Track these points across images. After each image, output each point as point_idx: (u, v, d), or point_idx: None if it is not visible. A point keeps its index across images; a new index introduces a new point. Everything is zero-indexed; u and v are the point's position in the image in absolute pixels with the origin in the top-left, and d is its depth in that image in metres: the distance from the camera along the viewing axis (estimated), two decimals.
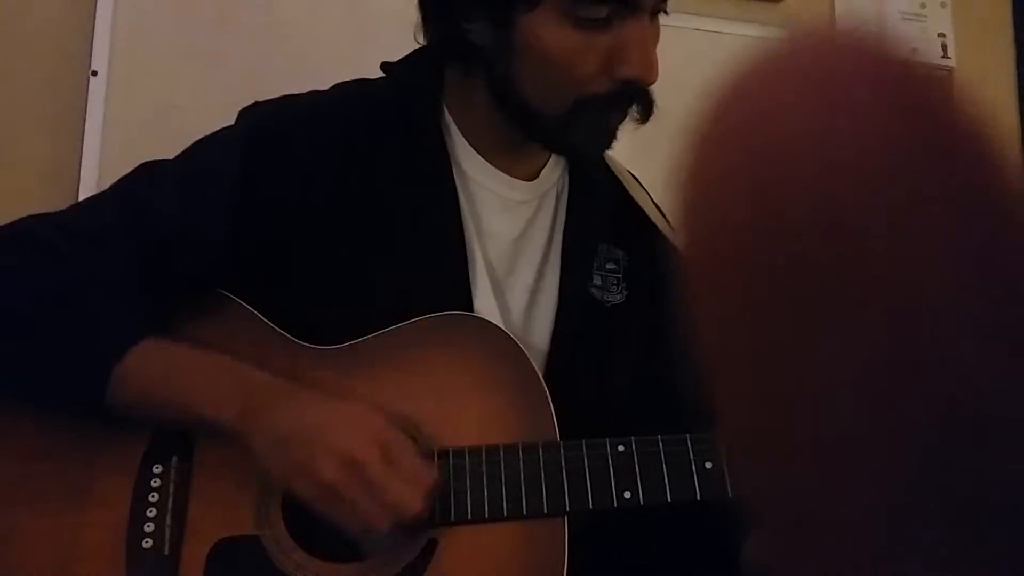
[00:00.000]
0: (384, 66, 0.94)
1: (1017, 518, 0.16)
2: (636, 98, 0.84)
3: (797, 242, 0.14)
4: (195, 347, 0.81)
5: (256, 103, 0.91)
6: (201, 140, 0.89)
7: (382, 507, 0.73)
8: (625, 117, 0.86)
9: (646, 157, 0.94)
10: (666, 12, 0.84)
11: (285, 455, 0.75)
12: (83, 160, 1.63)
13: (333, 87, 0.94)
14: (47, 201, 0.88)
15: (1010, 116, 2.18)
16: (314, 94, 0.92)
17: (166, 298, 0.83)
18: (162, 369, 0.79)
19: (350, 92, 0.92)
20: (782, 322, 0.15)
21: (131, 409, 0.78)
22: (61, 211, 0.87)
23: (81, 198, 1.40)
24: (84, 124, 1.65)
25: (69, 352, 0.79)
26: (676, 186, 0.16)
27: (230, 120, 0.91)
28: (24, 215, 0.86)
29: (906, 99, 0.15)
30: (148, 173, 0.87)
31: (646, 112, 0.86)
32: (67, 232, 0.83)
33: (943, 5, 2.27)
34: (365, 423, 0.76)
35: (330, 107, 0.90)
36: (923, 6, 2.26)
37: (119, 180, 0.88)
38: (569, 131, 0.84)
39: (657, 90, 0.85)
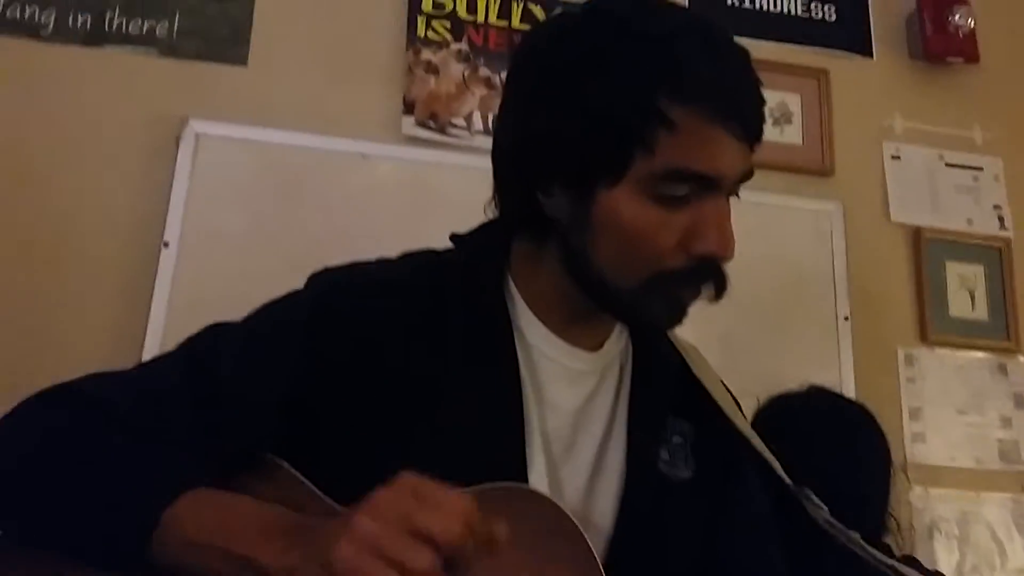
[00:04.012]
0: (453, 237, 0.96)
1: None
2: (711, 275, 0.84)
3: None
4: (245, 498, 0.77)
5: (325, 268, 0.92)
6: (269, 303, 0.90)
7: (415, 539, 0.63)
8: (699, 294, 0.85)
9: (704, 324, 0.92)
10: (738, 196, 0.85)
11: (303, 556, 0.66)
12: (148, 328, 1.66)
13: (401, 256, 0.95)
14: (112, 366, 0.89)
15: None
16: (382, 262, 0.93)
17: (221, 457, 0.81)
18: (213, 516, 0.75)
19: (417, 261, 0.93)
20: None
21: (174, 556, 0.74)
22: (125, 370, 0.87)
23: None
24: (152, 292, 1.69)
25: (116, 499, 0.76)
26: None
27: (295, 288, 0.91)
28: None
29: None
30: (213, 334, 0.88)
31: (720, 290, 0.85)
32: (127, 389, 0.83)
33: (996, 179, 2.29)
34: (383, 496, 0.66)
35: (397, 276, 0.91)
36: (975, 179, 2.28)
37: (184, 340, 0.88)
38: (643, 305, 0.84)
39: None
